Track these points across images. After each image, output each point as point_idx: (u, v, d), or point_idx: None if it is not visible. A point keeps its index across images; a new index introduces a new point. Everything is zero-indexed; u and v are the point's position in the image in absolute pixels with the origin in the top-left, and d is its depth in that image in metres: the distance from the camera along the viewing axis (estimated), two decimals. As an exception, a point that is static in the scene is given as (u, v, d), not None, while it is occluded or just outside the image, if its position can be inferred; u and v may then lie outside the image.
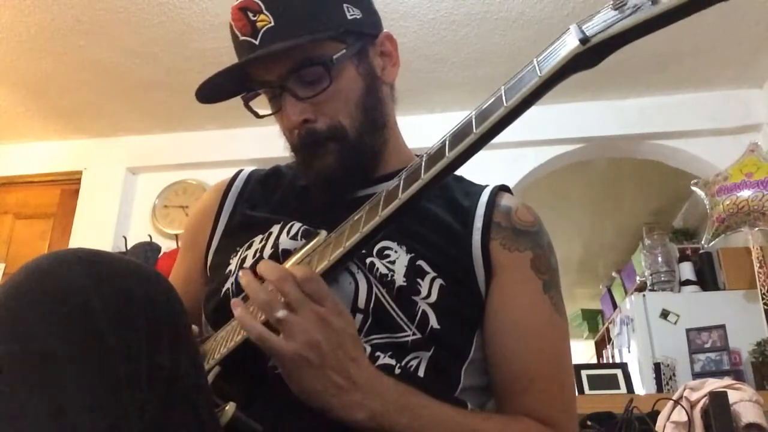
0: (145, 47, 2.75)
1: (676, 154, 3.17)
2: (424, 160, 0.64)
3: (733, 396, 1.67)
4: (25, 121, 3.32)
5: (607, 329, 4.23)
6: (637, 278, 3.54)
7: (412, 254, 0.77)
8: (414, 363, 0.74)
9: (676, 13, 0.50)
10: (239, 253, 0.84)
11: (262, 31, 0.77)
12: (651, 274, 3.20)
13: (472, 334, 0.79)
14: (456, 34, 2.70)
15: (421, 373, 0.74)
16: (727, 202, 2.68)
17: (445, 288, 0.76)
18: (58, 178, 3.48)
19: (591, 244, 4.97)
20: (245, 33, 0.78)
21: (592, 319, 5.48)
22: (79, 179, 3.42)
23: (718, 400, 1.60)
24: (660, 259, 3.20)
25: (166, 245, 3.12)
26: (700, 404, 1.74)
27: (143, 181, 3.43)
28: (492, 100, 0.59)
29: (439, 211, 0.83)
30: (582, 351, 5.76)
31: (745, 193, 2.65)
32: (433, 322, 0.74)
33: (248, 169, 0.98)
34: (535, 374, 0.76)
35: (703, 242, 2.89)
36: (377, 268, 0.76)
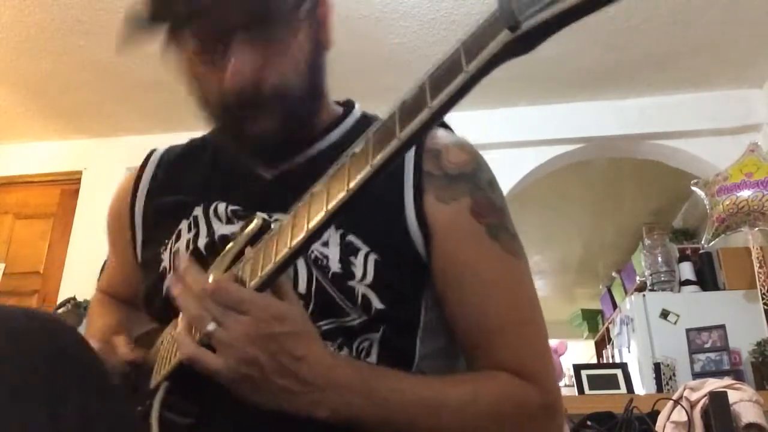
0: (145, 47, 2.75)
1: (676, 154, 3.17)
2: (347, 163, 0.55)
3: (733, 396, 1.67)
4: (25, 121, 3.32)
5: (607, 329, 4.24)
6: (637, 278, 3.54)
7: (342, 230, 0.71)
8: (365, 345, 0.70)
9: None
10: (168, 246, 0.79)
11: None
12: (651, 274, 3.20)
13: (419, 300, 0.73)
14: (456, 34, 2.69)
15: (373, 356, 0.70)
16: (727, 202, 2.68)
17: (380, 263, 0.70)
18: (58, 178, 3.48)
19: (591, 244, 4.97)
20: None
21: (592, 319, 5.48)
22: (79, 179, 3.42)
23: (718, 400, 1.60)
24: (660, 259, 3.20)
25: (166, 245, 3.12)
26: (700, 404, 1.74)
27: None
28: (415, 98, 0.52)
29: None
30: (582, 351, 5.76)
31: (745, 193, 2.65)
32: (376, 303, 0.69)
33: (161, 148, 0.92)
34: (497, 325, 0.71)
35: (703, 242, 2.90)
36: (313, 254, 0.71)
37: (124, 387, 0.73)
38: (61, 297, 3.10)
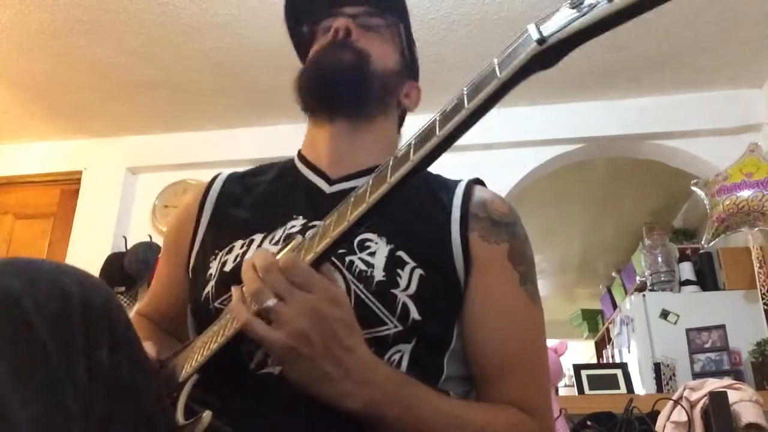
0: (145, 47, 2.75)
1: (676, 154, 3.17)
2: (390, 162, 0.63)
3: (733, 396, 1.67)
4: (25, 121, 3.32)
5: (607, 329, 4.24)
6: (637, 278, 3.54)
7: (392, 245, 0.78)
8: (396, 357, 0.74)
9: (631, 10, 0.50)
10: (219, 257, 0.84)
11: None
12: (651, 274, 3.20)
13: (452, 323, 0.79)
14: (456, 34, 2.70)
15: (404, 367, 0.74)
16: (727, 202, 2.68)
17: (424, 278, 0.76)
18: (58, 178, 3.48)
19: (591, 244, 4.97)
20: None
21: (592, 319, 5.48)
22: (79, 179, 3.42)
23: (718, 400, 1.60)
24: (660, 259, 3.20)
25: (166, 245, 3.12)
26: (700, 404, 1.74)
27: (143, 181, 3.43)
28: (455, 102, 0.60)
29: (420, 201, 0.84)
30: (582, 351, 5.76)
31: (745, 193, 2.65)
32: (414, 313, 0.74)
33: (226, 171, 1.00)
34: (515, 364, 0.78)
35: (703, 242, 2.89)
36: (356, 266, 0.76)
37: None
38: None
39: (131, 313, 1.04)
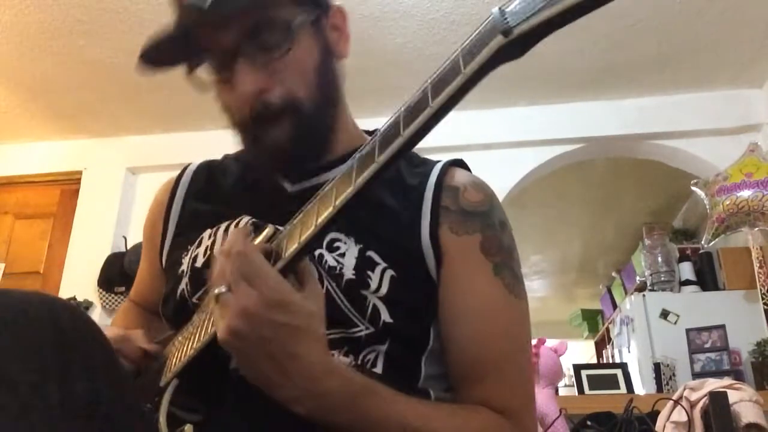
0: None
1: (676, 154, 3.17)
2: (355, 162, 0.60)
3: (733, 396, 1.67)
4: (25, 121, 3.32)
5: (607, 329, 4.24)
6: (637, 278, 3.54)
7: (361, 245, 0.74)
8: (371, 357, 0.72)
9: None
10: (190, 252, 0.82)
11: None
12: (651, 274, 3.20)
13: (429, 323, 0.76)
14: (456, 34, 2.70)
15: (379, 368, 0.72)
16: (727, 202, 2.68)
17: (396, 279, 0.72)
18: (58, 178, 3.48)
19: (591, 244, 4.97)
20: None
21: (592, 319, 5.48)
22: (79, 179, 3.42)
23: (718, 400, 1.60)
24: (660, 259, 3.20)
25: (166, 245, 3.12)
26: (700, 404, 1.74)
27: (143, 181, 3.43)
28: (419, 97, 0.56)
29: (388, 198, 0.79)
30: (582, 351, 5.76)
31: (745, 193, 2.65)
32: (385, 315, 0.71)
33: (196, 162, 0.95)
34: (488, 362, 0.74)
35: (703, 242, 2.90)
36: (326, 260, 0.73)
37: (131, 373, 0.75)
38: (61, 297, 3.10)
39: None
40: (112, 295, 3.11)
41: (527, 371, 0.78)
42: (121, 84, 3.01)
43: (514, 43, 0.48)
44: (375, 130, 0.88)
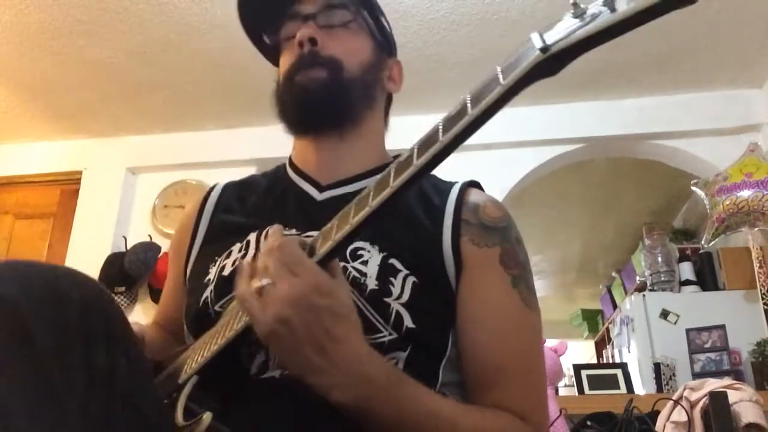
0: (145, 47, 2.75)
1: (676, 154, 3.17)
2: (393, 166, 0.63)
3: (733, 396, 1.67)
4: (25, 121, 3.32)
5: (607, 329, 4.24)
6: (637, 278, 3.54)
7: (385, 253, 0.77)
8: (392, 363, 0.73)
9: (633, 21, 0.50)
10: (218, 262, 0.84)
11: None
12: (651, 274, 3.20)
13: (447, 331, 0.79)
14: (456, 34, 2.70)
15: None
16: (727, 202, 2.68)
17: (417, 286, 0.76)
18: (58, 178, 3.48)
19: (591, 244, 4.97)
20: None
21: (592, 319, 5.48)
22: (79, 179, 3.42)
23: (718, 400, 1.60)
24: (660, 259, 3.20)
25: (166, 245, 3.12)
26: (700, 404, 1.74)
27: (143, 181, 3.43)
28: (458, 108, 0.59)
29: (412, 208, 0.83)
30: (582, 351, 5.76)
31: (745, 193, 2.65)
32: (408, 321, 0.74)
33: (223, 181, 1.00)
34: (507, 368, 0.77)
35: (703, 242, 2.90)
36: (349, 272, 0.75)
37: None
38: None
39: (148, 320, 1.06)
40: (112, 295, 3.11)
41: (541, 379, 0.82)
42: (121, 84, 3.01)
43: (550, 59, 0.53)
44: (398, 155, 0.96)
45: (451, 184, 0.88)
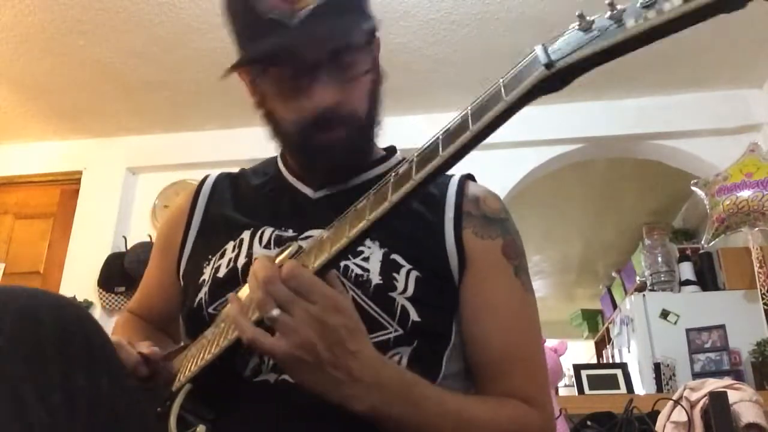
0: (145, 47, 2.75)
1: (676, 154, 3.17)
2: (391, 179, 0.62)
3: (733, 396, 1.67)
4: (25, 121, 3.32)
5: (607, 329, 4.24)
6: (637, 278, 3.54)
7: (386, 249, 0.78)
8: (396, 359, 0.74)
9: (640, 39, 0.50)
10: (212, 263, 0.83)
11: (304, 9, 0.73)
12: (651, 274, 3.20)
13: (451, 319, 0.80)
14: (456, 34, 2.70)
15: (403, 366, 0.74)
16: (727, 202, 2.68)
17: (421, 279, 0.76)
18: (58, 178, 3.48)
19: (591, 244, 4.97)
20: (282, 11, 0.74)
21: (592, 319, 5.48)
22: (79, 179, 3.42)
23: (718, 400, 1.60)
24: (660, 259, 3.20)
25: (166, 245, 3.12)
26: (700, 404, 1.74)
27: (143, 181, 3.43)
28: (459, 122, 0.58)
29: (411, 204, 0.82)
30: (582, 351, 5.76)
31: (745, 193, 2.65)
32: (414, 315, 0.74)
33: (215, 172, 0.99)
34: (514, 356, 0.79)
35: (703, 242, 2.90)
36: (351, 270, 0.76)
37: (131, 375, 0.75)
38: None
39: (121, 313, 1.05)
40: (112, 295, 3.11)
41: (544, 363, 0.85)
42: (121, 84, 3.01)
43: (555, 76, 0.51)
44: (390, 147, 0.94)
45: (447, 177, 0.88)
